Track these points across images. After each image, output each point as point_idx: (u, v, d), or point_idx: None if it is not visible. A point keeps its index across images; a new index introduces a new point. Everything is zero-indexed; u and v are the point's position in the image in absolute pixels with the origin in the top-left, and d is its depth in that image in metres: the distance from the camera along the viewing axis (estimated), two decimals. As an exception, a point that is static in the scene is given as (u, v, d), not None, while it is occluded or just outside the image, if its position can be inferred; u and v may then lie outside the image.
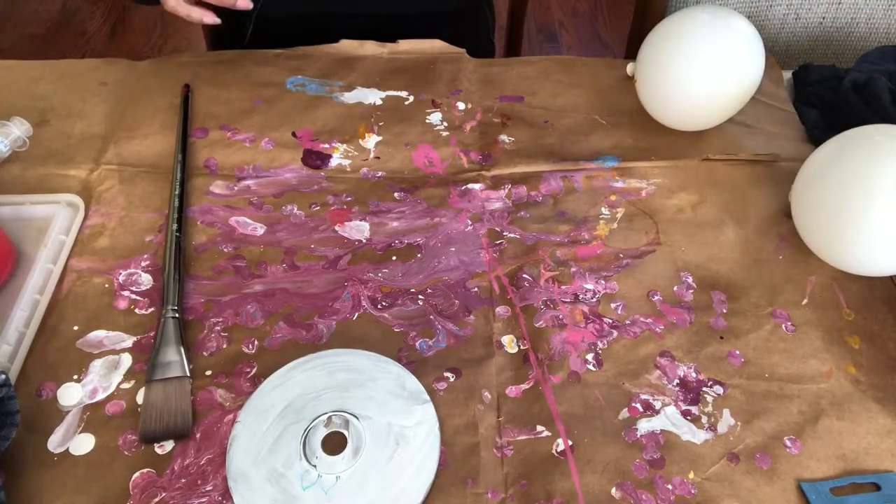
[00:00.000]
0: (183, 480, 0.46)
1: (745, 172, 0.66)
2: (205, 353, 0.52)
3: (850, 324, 0.56)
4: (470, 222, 0.62)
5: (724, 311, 0.56)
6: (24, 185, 0.62)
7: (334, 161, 0.66)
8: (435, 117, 0.70)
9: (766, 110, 0.72)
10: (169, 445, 0.48)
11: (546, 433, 0.49)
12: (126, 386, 0.50)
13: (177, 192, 0.60)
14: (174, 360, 0.50)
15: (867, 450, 0.49)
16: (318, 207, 0.62)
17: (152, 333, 0.53)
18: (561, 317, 0.55)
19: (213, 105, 0.70)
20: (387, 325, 0.55)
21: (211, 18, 0.65)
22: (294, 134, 0.68)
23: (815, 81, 0.74)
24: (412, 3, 0.84)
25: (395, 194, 0.64)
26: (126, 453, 0.47)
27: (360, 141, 0.68)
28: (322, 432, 0.48)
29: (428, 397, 0.50)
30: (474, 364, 0.53)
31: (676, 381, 0.52)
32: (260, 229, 0.60)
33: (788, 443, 0.49)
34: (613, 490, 0.47)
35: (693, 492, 0.47)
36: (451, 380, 0.52)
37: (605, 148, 0.68)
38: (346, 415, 0.48)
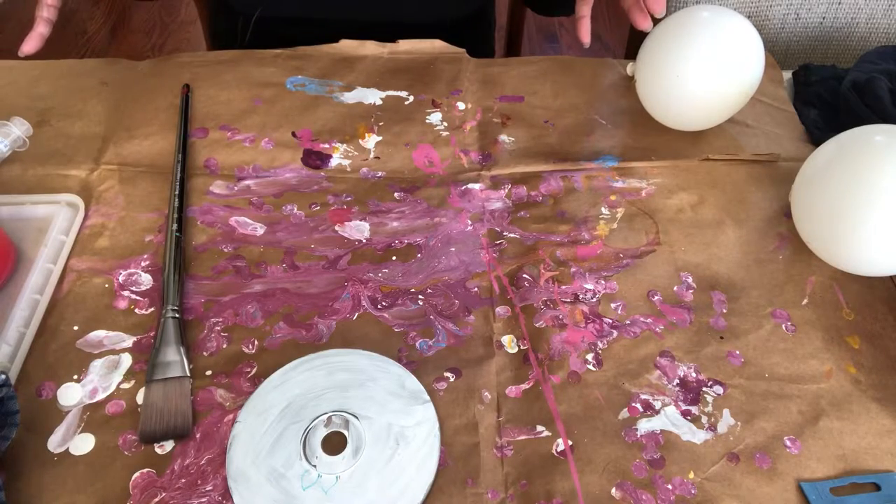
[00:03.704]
0: (183, 480, 0.46)
1: (745, 172, 0.66)
2: (205, 353, 0.52)
3: (850, 324, 0.56)
4: (470, 222, 0.62)
5: (724, 311, 0.56)
6: (24, 185, 0.62)
7: (334, 161, 0.66)
8: (435, 117, 0.70)
9: (766, 110, 0.72)
10: (169, 445, 0.48)
11: (546, 433, 0.49)
12: (126, 386, 0.50)
13: (177, 192, 0.60)
14: (174, 360, 0.50)
15: (867, 450, 0.49)
16: (318, 207, 0.62)
17: (152, 333, 0.53)
18: (561, 317, 0.55)
19: (213, 105, 0.70)
20: (387, 325, 0.55)
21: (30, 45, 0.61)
22: (294, 134, 0.68)
23: (815, 81, 0.74)
24: (416, 10, 0.83)
25: (395, 194, 0.64)
26: (126, 453, 0.47)
27: (360, 141, 0.68)
28: (322, 432, 0.48)
29: (428, 397, 0.50)
30: (474, 364, 0.53)
31: (676, 381, 0.52)
32: (260, 229, 0.60)
33: (788, 443, 0.49)
34: (613, 490, 0.47)
35: (693, 492, 0.47)
36: (451, 380, 0.52)
37: (605, 148, 0.68)
38: (346, 415, 0.48)
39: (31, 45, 0.61)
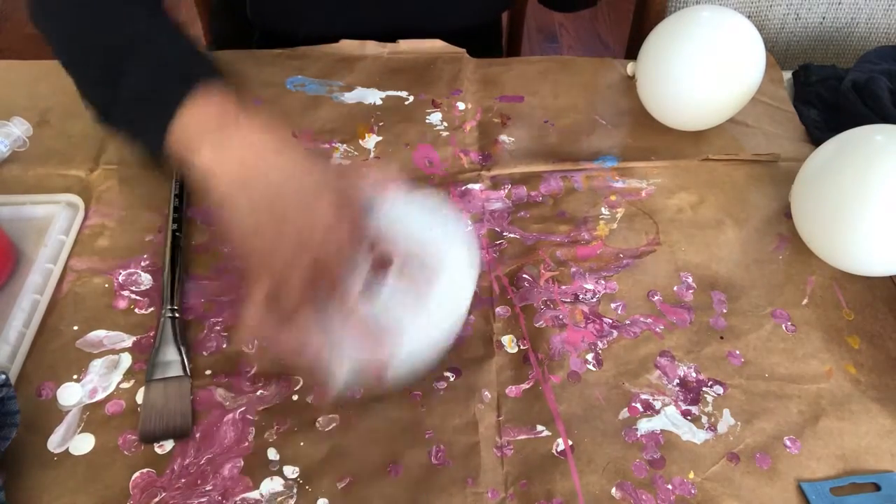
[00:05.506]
0: (183, 480, 0.46)
1: (745, 172, 0.66)
2: (204, 353, 0.52)
3: (850, 324, 0.56)
4: (470, 222, 0.62)
5: (724, 311, 0.56)
6: (24, 185, 0.62)
7: (334, 161, 0.66)
8: (435, 117, 0.70)
9: (766, 110, 0.72)
10: (169, 445, 0.48)
11: (546, 433, 0.49)
12: (126, 386, 0.50)
13: (176, 192, 0.60)
14: (174, 359, 0.50)
15: (867, 450, 0.49)
16: (318, 207, 0.62)
17: (152, 333, 0.53)
18: (561, 317, 0.55)
19: (213, 105, 0.70)
20: (387, 325, 0.54)
21: None
22: (294, 134, 0.68)
23: (815, 81, 0.74)
24: (436, 21, 0.81)
25: (395, 194, 0.63)
26: (126, 453, 0.47)
27: (360, 141, 0.68)
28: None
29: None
30: (474, 364, 0.53)
31: (676, 381, 0.52)
32: (260, 229, 0.60)
33: (788, 443, 0.49)
34: (613, 490, 0.47)
35: (693, 492, 0.47)
36: (451, 379, 0.52)
37: (605, 148, 0.68)
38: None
39: None
